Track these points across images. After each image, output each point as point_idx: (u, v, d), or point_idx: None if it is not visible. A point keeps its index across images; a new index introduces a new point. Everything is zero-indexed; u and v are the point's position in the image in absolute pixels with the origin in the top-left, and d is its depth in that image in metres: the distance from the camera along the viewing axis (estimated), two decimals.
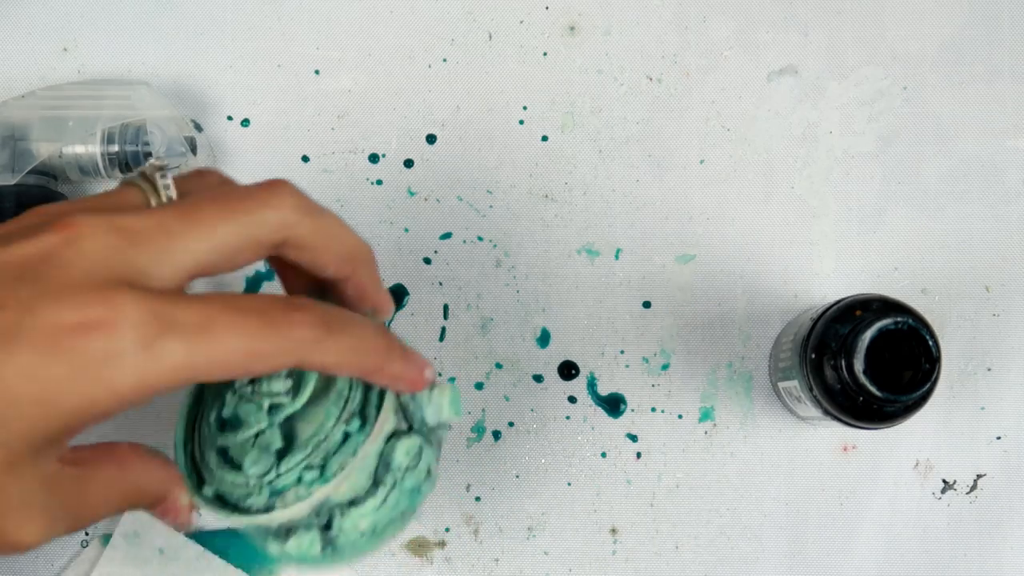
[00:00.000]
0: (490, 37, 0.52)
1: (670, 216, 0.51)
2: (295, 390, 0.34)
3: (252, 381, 0.35)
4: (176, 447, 0.36)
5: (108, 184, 0.51)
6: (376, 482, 0.34)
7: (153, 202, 0.32)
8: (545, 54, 0.52)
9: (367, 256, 0.34)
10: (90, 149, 0.48)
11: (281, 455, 0.34)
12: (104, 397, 0.28)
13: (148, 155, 0.49)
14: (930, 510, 0.49)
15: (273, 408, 0.34)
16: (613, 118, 0.52)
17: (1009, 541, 0.49)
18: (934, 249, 0.51)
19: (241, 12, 0.52)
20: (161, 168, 0.33)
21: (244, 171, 0.51)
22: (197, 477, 0.35)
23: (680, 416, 0.50)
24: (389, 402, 0.34)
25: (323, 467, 0.34)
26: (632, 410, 0.50)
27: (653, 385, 0.50)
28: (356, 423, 0.34)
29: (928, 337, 0.41)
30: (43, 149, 0.48)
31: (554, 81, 0.52)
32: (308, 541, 0.34)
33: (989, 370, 0.50)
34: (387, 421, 0.34)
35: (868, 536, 0.49)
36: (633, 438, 0.50)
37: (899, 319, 0.41)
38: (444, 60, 0.52)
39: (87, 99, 0.49)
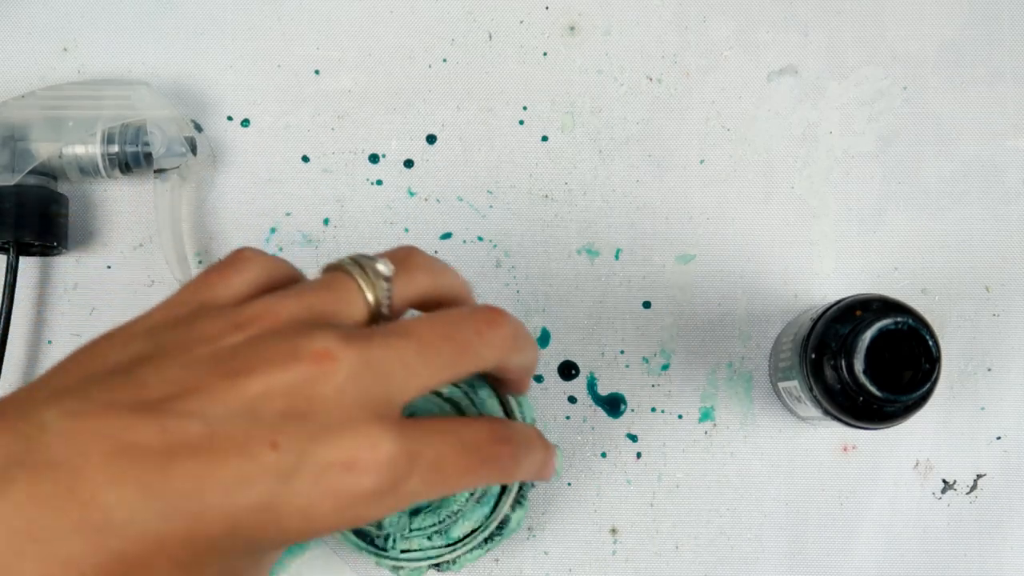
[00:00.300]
0: (490, 37, 0.52)
1: (670, 216, 0.51)
2: None
3: None
4: None
5: (108, 184, 0.51)
6: (487, 539, 0.44)
7: (369, 296, 0.33)
8: (545, 54, 0.52)
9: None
10: (90, 149, 0.48)
11: (414, 513, 0.43)
12: (348, 523, 0.30)
13: (148, 155, 0.49)
14: (930, 510, 0.49)
15: None
16: (613, 118, 0.52)
17: (1009, 541, 0.49)
18: (934, 249, 0.51)
19: (241, 12, 0.52)
20: (383, 275, 0.33)
21: (244, 171, 0.51)
22: None
23: (680, 416, 0.50)
24: (514, 484, 0.43)
25: (448, 531, 0.43)
26: (632, 410, 0.50)
27: (653, 385, 0.50)
28: (480, 496, 0.43)
29: (928, 337, 0.41)
30: (43, 149, 0.48)
31: (554, 81, 0.52)
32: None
33: (989, 370, 0.50)
34: (510, 499, 0.43)
35: (868, 536, 0.49)
36: (633, 438, 0.50)
37: (899, 319, 0.41)
38: (444, 60, 0.52)
39: (87, 99, 0.49)
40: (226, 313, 0.31)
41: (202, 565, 0.29)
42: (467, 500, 0.43)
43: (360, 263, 0.33)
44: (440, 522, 0.43)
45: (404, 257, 0.34)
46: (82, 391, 0.29)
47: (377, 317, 0.33)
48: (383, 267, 0.33)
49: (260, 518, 0.29)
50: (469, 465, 0.31)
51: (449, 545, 0.43)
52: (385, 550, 0.43)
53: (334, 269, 0.33)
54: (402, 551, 0.43)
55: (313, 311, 0.31)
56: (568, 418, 0.50)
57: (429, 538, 0.43)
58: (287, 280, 0.33)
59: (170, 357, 0.30)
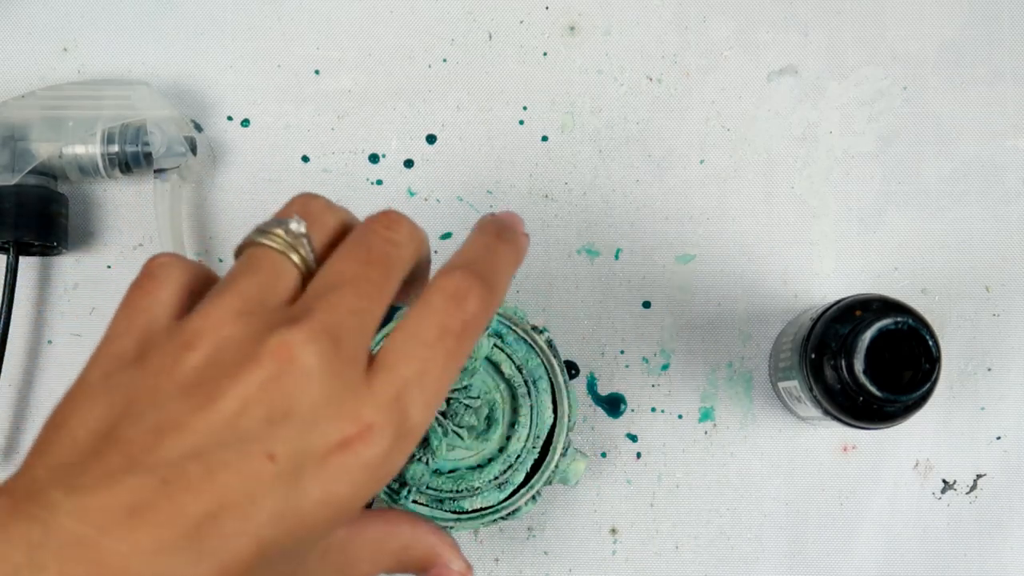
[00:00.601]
0: (490, 37, 0.52)
1: (670, 216, 0.51)
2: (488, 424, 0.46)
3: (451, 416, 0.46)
4: None
5: (108, 184, 0.51)
6: (493, 521, 0.46)
7: (295, 259, 0.32)
8: (545, 54, 0.52)
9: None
10: (90, 149, 0.48)
11: (436, 472, 0.46)
12: (372, 491, 0.31)
13: (148, 155, 0.49)
14: (930, 510, 0.49)
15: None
16: (613, 118, 0.52)
17: (1009, 541, 0.49)
18: (934, 249, 0.51)
19: (241, 12, 0.52)
20: (304, 235, 0.33)
21: (244, 171, 0.51)
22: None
23: (680, 416, 0.50)
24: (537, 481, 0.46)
25: (460, 502, 0.45)
26: (632, 410, 0.50)
27: (653, 385, 0.50)
28: (502, 483, 0.46)
29: (928, 337, 0.41)
30: (43, 149, 0.48)
31: (554, 81, 0.52)
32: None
33: (989, 370, 0.50)
34: (529, 494, 0.45)
35: (868, 536, 0.49)
36: (633, 438, 0.50)
37: (899, 319, 0.41)
38: (444, 60, 0.52)
39: (87, 99, 0.49)
40: (171, 336, 0.31)
41: None
42: (489, 482, 0.45)
43: (272, 231, 0.33)
44: (457, 492, 0.45)
45: (305, 205, 0.34)
46: (80, 465, 0.29)
47: (310, 274, 0.33)
48: (297, 225, 0.33)
49: (284, 527, 0.29)
50: (448, 354, 0.31)
51: (456, 513, 0.45)
52: (397, 497, 0.45)
53: (250, 246, 0.33)
54: (413, 501, 0.45)
55: (250, 300, 0.31)
56: None
57: (440, 501, 0.45)
58: (204, 276, 0.33)
59: (140, 404, 0.30)
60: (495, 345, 0.45)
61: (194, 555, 0.28)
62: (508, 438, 0.46)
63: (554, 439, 0.45)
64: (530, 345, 0.45)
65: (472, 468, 0.46)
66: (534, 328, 0.46)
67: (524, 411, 0.45)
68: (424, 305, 0.32)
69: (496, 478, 0.45)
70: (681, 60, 0.52)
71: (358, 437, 0.30)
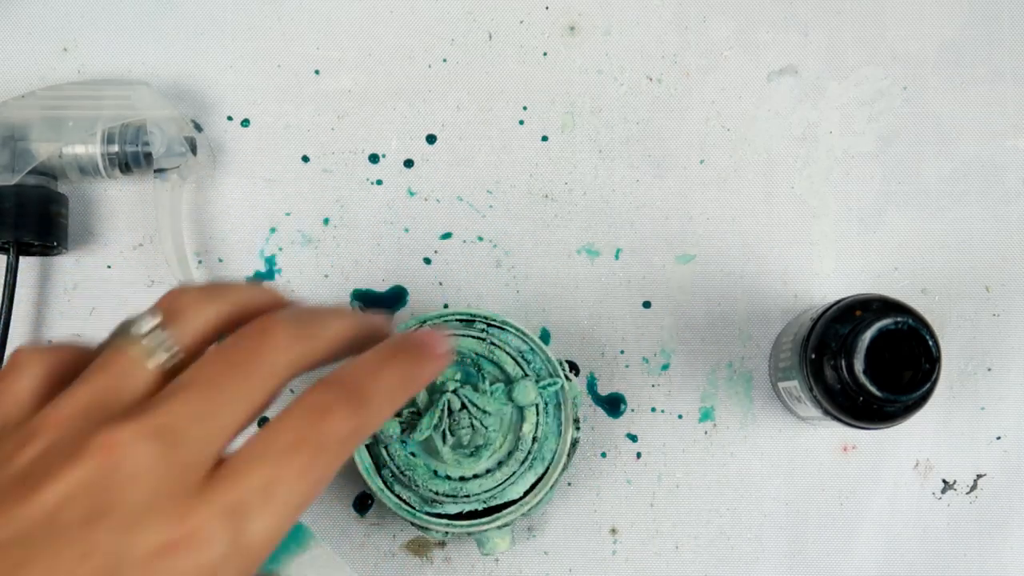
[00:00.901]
0: (490, 37, 0.52)
1: (670, 216, 0.51)
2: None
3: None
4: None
5: (108, 184, 0.51)
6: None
7: (150, 364, 0.31)
8: (545, 54, 0.52)
9: (372, 330, 0.34)
10: (90, 149, 0.48)
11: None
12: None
13: (148, 155, 0.49)
14: (930, 510, 0.49)
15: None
16: (613, 118, 0.52)
17: (1009, 541, 0.49)
18: (934, 249, 0.51)
19: (241, 12, 0.52)
20: (154, 334, 0.32)
21: (244, 171, 0.51)
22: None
23: (680, 416, 0.50)
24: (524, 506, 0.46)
25: (424, 497, 0.46)
26: (632, 410, 0.50)
27: (653, 385, 0.50)
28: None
29: (928, 337, 0.41)
30: (43, 149, 0.48)
31: (554, 81, 0.52)
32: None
33: (989, 370, 0.50)
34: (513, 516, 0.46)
35: (868, 536, 0.49)
36: (633, 438, 0.50)
37: (899, 319, 0.41)
38: (444, 60, 0.52)
39: (87, 99, 0.49)
40: (18, 429, 0.30)
41: None
42: (479, 494, 0.46)
43: (122, 329, 0.32)
44: (447, 495, 0.46)
45: (169, 301, 0.32)
46: None
47: (173, 371, 0.32)
48: (146, 322, 0.32)
49: None
50: (302, 468, 0.30)
51: (431, 515, 0.46)
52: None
53: (105, 346, 0.32)
54: (398, 497, 0.46)
55: (95, 399, 0.30)
56: None
57: (427, 501, 0.46)
58: (74, 366, 0.32)
59: None
60: (536, 408, 0.46)
61: None
62: (502, 461, 0.46)
63: (536, 487, 0.46)
64: (560, 431, 0.46)
65: (469, 477, 0.46)
66: (576, 421, 0.46)
67: (519, 454, 0.46)
68: (284, 415, 0.30)
69: (489, 490, 0.45)
70: (681, 60, 0.52)
71: (183, 542, 0.28)
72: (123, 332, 0.32)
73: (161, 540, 0.28)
